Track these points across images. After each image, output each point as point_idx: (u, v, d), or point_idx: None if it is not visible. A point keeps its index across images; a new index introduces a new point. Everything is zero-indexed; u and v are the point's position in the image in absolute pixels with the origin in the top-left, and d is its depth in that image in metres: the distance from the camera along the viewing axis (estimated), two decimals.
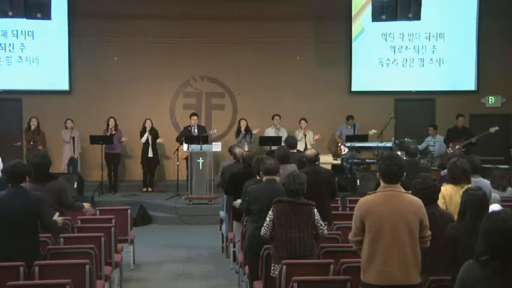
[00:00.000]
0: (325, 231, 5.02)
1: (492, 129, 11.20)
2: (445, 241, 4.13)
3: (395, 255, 3.81)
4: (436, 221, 4.34)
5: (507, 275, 2.82)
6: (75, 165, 11.55)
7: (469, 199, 4.18)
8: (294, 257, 4.72)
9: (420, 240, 3.90)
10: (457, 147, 11.12)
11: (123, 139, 11.66)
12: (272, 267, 4.87)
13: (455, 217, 4.42)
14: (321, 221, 4.94)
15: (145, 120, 11.65)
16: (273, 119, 11.93)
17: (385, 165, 3.94)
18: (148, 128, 11.59)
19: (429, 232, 3.95)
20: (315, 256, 4.92)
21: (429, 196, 4.49)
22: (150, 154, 11.65)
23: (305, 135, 11.73)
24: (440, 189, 4.78)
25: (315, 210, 4.91)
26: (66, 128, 11.51)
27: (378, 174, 4.04)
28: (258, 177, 5.95)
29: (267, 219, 4.89)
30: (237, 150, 7.83)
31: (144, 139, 11.62)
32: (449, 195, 5.31)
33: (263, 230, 4.90)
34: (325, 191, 6.36)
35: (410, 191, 4.10)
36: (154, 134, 11.70)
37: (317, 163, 6.65)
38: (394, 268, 3.81)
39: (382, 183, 3.99)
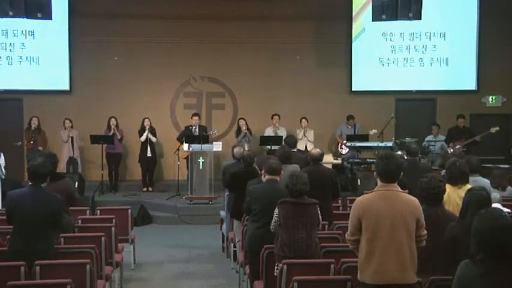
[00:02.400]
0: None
1: (493, 130, 11.19)
2: (446, 241, 4.13)
3: (393, 254, 3.81)
4: (439, 221, 4.34)
5: (502, 273, 2.83)
6: (75, 165, 11.55)
7: (472, 199, 4.17)
8: (300, 257, 4.72)
9: (416, 239, 3.90)
10: (457, 146, 11.11)
11: (117, 134, 11.57)
12: (276, 267, 4.86)
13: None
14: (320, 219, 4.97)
15: (144, 119, 11.65)
16: (272, 118, 11.92)
17: (383, 164, 3.93)
18: (147, 127, 11.59)
19: (425, 231, 3.96)
20: (318, 255, 4.92)
21: (433, 196, 4.48)
22: (149, 153, 11.66)
23: (305, 134, 11.73)
24: (445, 190, 4.76)
25: (318, 208, 4.93)
26: (65, 128, 11.51)
27: (375, 173, 4.04)
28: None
29: (274, 216, 4.90)
30: (236, 150, 7.85)
31: (143, 138, 11.62)
32: (448, 194, 5.30)
33: (272, 228, 4.93)
34: (328, 190, 6.36)
35: (407, 190, 4.10)
36: (152, 133, 11.69)
37: (320, 163, 6.65)
38: (391, 267, 3.81)
39: (379, 182, 3.98)
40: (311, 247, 4.81)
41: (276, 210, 4.89)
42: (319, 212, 4.92)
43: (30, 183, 4.86)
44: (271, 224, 4.94)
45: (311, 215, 4.85)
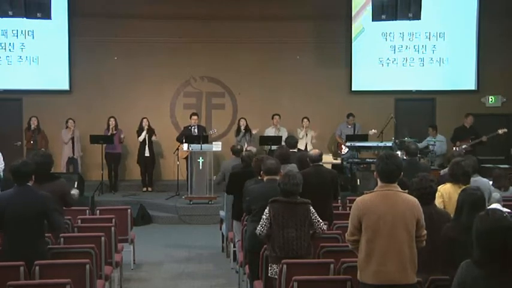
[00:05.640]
0: (324, 229, 5.02)
1: (500, 131, 11.22)
2: (443, 241, 4.14)
3: (393, 254, 3.80)
4: (434, 220, 4.35)
5: (505, 274, 2.83)
6: (75, 165, 11.56)
7: (466, 199, 4.18)
8: (292, 256, 4.71)
9: (416, 240, 3.89)
10: (463, 146, 11.12)
11: (121, 135, 11.63)
12: (269, 268, 4.86)
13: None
14: (318, 219, 4.94)
15: (142, 120, 11.66)
16: (272, 118, 11.93)
17: (383, 164, 3.92)
18: (146, 127, 11.59)
19: (425, 231, 3.95)
20: (311, 255, 4.92)
21: (425, 196, 4.49)
22: (147, 153, 11.66)
23: (306, 134, 11.74)
24: (436, 190, 4.77)
25: (311, 208, 4.92)
26: (67, 127, 11.52)
27: (375, 173, 4.04)
28: (259, 177, 5.92)
29: (263, 217, 4.89)
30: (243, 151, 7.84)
31: (141, 138, 11.62)
32: (448, 194, 5.30)
33: (259, 229, 4.90)
34: (328, 191, 6.35)
35: (407, 190, 4.10)
36: (150, 133, 11.70)
37: (320, 163, 6.64)
38: (391, 268, 3.80)
39: (379, 183, 3.97)
40: (302, 247, 4.80)
41: (267, 209, 4.89)
42: (311, 211, 4.90)
43: (15, 184, 4.80)
44: (258, 228, 4.91)
45: (301, 214, 4.84)
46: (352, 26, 12.74)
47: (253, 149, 9.81)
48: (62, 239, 5.43)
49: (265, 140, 11.35)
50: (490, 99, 13.01)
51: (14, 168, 4.79)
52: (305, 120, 11.80)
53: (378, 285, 3.84)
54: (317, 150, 6.77)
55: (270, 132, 11.86)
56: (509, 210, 4.78)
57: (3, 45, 12.28)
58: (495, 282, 2.84)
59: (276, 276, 4.68)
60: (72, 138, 11.51)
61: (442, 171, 7.82)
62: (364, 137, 11.40)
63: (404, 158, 7.85)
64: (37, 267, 4.51)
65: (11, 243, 4.68)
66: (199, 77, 12.79)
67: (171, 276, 7.16)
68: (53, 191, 5.41)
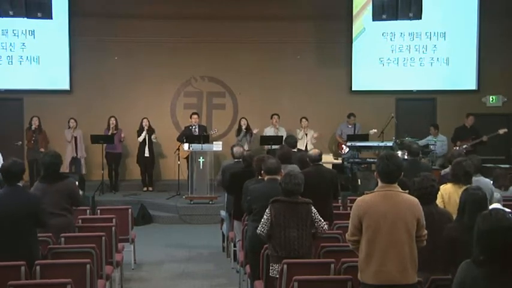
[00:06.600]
0: (325, 228, 5.01)
1: (501, 131, 11.23)
2: (444, 242, 4.14)
3: (393, 254, 3.80)
4: (434, 220, 4.36)
5: (505, 275, 2.82)
6: (78, 164, 11.55)
7: (468, 199, 4.19)
8: (293, 256, 4.72)
9: (417, 240, 3.90)
10: (464, 146, 11.12)
11: (122, 135, 11.64)
12: (271, 267, 4.86)
13: (454, 216, 4.43)
14: (320, 218, 4.94)
15: (143, 120, 11.66)
16: (271, 118, 11.92)
17: (384, 164, 3.92)
18: (146, 127, 11.59)
19: (425, 231, 3.96)
20: (312, 255, 4.92)
21: (426, 196, 4.50)
22: (147, 154, 11.66)
23: (306, 134, 11.74)
24: (438, 190, 4.77)
25: (313, 208, 4.92)
26: (69, 127, 11.53)
27: (375, 173, 4.04)
28: (259, 177, 5.92)
29: (264, 217, 4.89)
30: (235, 150, 7.83)
31: (141, 138, 11.62)
32: (448, 194, 5.31)
33: (260, 229, 4.90)
34: (328, 191, 6.35)
35: (407, 191, 4.10)
36: (150, 133, 11.70)
37: (320, 163, 6.64)
38: (392, 268, 3.80)
39: (379, 183, 3.97)
40: (303, 246, 4.80)
41: (268, 209, 4.89)
42: (312, 211, 4.90)
43: (6, 184, 4.79)
44: (259, 228, 4.90)
45: (303, 214, 4.84)
46: (353, 26, 12.73)
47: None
48: (62, 239, 5.43)
49: (265, 140, 11.34)
50: (491, 99, 13.01)
51: (4, 169, 4.80)
52: (303, 120, 11.79)
53: (378, 286, 3.84)
54: (317, 150, 6.77)
55: (269, 132, 11.84)
56: (509, 210, 4.78)
57: (4, 45, 12.28)
58: (495, 282, 2.84)
59: (277, 276, 4.68)
60: (75, 138, 11.51)
61: (442, 171, 7.83)
62: (365, 137, 11.40)
63: (406, 158, 7.85)
64: (38, 267, 4.51)
65: (3, 243, 4.66)
66: (199, 76, 12.79)
67: (172, 276, 7.16)
68: (62, 190, 5.44)
